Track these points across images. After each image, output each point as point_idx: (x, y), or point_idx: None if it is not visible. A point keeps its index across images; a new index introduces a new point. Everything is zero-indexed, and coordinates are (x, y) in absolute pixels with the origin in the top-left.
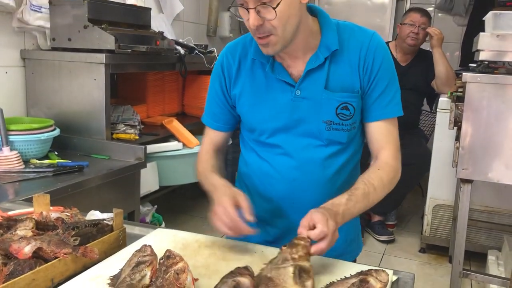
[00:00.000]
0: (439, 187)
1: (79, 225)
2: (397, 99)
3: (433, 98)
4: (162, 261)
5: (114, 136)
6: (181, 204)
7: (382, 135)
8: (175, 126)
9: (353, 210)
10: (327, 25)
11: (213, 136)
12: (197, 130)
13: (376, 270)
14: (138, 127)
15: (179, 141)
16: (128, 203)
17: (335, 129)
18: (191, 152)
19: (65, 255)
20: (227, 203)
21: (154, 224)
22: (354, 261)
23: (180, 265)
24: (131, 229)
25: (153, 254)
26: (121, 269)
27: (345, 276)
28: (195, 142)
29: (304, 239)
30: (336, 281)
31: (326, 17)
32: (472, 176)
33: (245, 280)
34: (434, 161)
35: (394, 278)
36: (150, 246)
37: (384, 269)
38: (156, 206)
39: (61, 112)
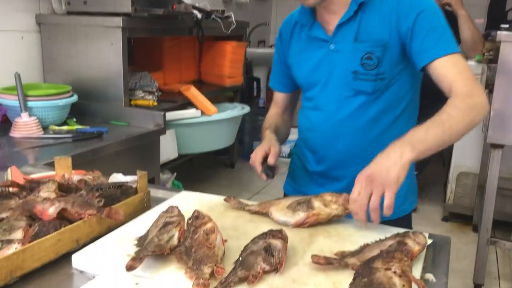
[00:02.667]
0: (463, 154)
1: (103, 187)
2: (447, 37)
3: None
4: (190, 221)
5: (132, 102)
6: (200, 172)
7: (446, 69)
8: (193, 93)
9: (425, 136)
10: None
11: (276, 97)
12: (215, 98)
13: (414, 233)
14: (156, 93)
15: (197, 108)
16: (149, 169)
17: (360, 79)
18: (209, 120)
19: (89, 216)
20: (259, 149)
21: None
22: (406, 218)
23: (209, 225)
24: (154, 192)
25: (180, 215)
26: (148, 230)
27: (379, 239)
28: (213, 110)
29: None
30: (371, 243)
31: None
32: (503, 140)
33: (277, 243)
34: None
35: (429, 242)
36: (177, 207)
37: (421, 232)
38: (175, 173)
39: (79, 78)
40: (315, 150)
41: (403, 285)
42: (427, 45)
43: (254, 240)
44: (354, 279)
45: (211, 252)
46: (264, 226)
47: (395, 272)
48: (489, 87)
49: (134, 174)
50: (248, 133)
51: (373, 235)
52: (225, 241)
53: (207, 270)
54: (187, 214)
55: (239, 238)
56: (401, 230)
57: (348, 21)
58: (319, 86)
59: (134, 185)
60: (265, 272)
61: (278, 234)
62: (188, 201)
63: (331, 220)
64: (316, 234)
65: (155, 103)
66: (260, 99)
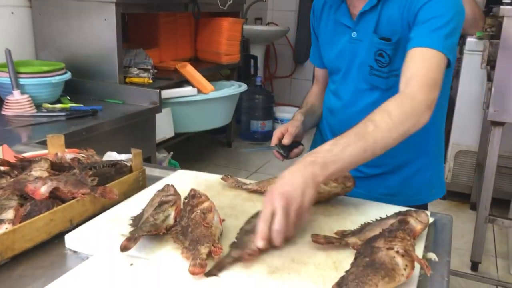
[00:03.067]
0: (463, 132)
1: (97, 166)
2: (441, 33)
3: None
4: (186, 200)
5: (127, 80)
6: (196, 152)
7: (412, 61)
8: (189, 71)
9: (342, 155)
10: None
11: (317, 73)
12: (211, 76)
13: (416, 211)
14: (151, 71)
15: (193, 86)
16: (144, 148)
17: (374, 74)
18: (206, 98)
19: (83, 196)
20: (278, 129)
21: None
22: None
23: (206, 204)
24: (150, 171)
25: (176, 194)
26: (143, 210)
27: (380, 217)
28: (210, 88)
29: None
30: (371, 221)
31: None
32: (504, 118)
33: None
34: (458, 106)
35: (431, 220)
36: (173, 185)
37: (423, 210)
38: (172, 152)
39: (72, 55)
40: (334, 132)
41: (406, 265)
42: (416, 34)
43: (249, 220)
44: (355, 258)
45: (208, 232)
46: (262, 205)
47: (397, 252)
48: (491, 63)
49: (129, 153)
50: (245, 111)
51: (374, 213)
52: (223, 220)
53: (204, 250)
54: (184, 193)
55: (237, 217)
56: (403, 209)
57: (370, 11)
58: (341, 73)
59: (129, 164)
60: (262, 251)
61: None
62: (185, 180)
63: (331, 199)
64: (316, 213)
65: (150, 81)
66: (257, 78)
